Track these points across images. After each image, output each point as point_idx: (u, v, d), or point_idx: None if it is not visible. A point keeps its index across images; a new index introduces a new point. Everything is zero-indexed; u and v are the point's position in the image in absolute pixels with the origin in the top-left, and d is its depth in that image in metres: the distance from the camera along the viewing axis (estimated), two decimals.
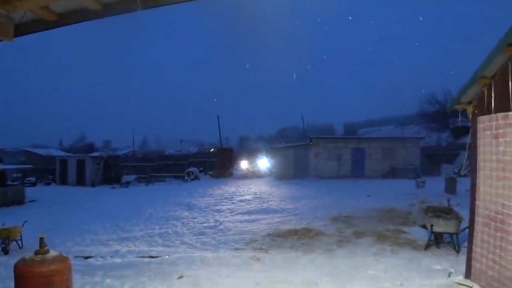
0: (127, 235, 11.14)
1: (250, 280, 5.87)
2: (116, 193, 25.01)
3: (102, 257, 8.49)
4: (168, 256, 8.08)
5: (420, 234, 8.78)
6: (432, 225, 7.62)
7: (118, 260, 8.03)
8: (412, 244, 8.20)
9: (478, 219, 5.70)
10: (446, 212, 8.49)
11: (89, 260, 8.30)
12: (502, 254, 5.03)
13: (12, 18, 3.01)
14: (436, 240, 7.98)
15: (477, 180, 5.76)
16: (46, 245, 3.03)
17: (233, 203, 16.77)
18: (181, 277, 6.21)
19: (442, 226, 7.62)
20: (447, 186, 16.20)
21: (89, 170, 31.27)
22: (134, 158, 41.23)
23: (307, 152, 28.16)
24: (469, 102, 6.15)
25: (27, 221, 10.71)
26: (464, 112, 6.49)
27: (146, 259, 7.87)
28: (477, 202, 5.76)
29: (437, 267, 6.51)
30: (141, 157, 42.85)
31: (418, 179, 19.49)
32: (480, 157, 5.67)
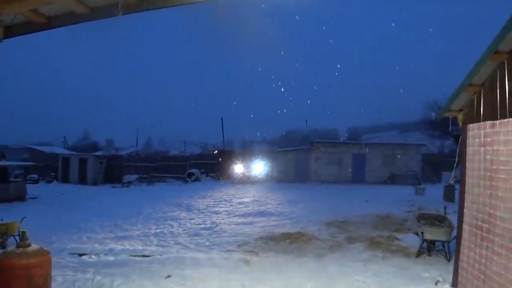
0: (123, 234, 11.22)
1: (237, 281, 5.94)
2: (116, 193, 25.15)
3: (96, 254, 8.56)
4: (160, 255, 8.15)
5: (413, 242, 8.80)
6: (422, 233, 7.65)
7: (111, 258, 8.11)
8: (404, 251, 8.22)
9: (465, 228, 5.74)
10: (439, 220, 8.51)
11: (83, 257, 8.39)
12: (488, 264, 5.06)
13: (2, 21, 3.12)
14: (428, 248, 8.01)
15: (466, 188, 5.80)
16: (27, 239, 3.12)
17: (231, 205, 16.84)
18: (169, 276, 6.29)
19: (433, 233, 7.64)
20: (446, 193, 16.18)
21: (91, 169, 31.48)
22: (137, 158, 41.38)
23: (308, 156, 28.23)
24: (460, 110, 6.20)
25: (25, 217, 10.82)
26: (455, 120, 6.54)
27: (138, 258, 7.95)
28: (465, 211, 5.80)
29: (426, 275, 6.53)
30: (144, 157, 43.01)
31: (418, 186, 19.47)
32: (469, 165, 5.72)
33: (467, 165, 5.76)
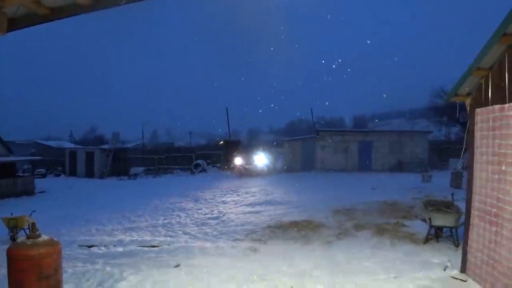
0: (131, 225, 11.31)
1: (245, 270, 5.97)
2: (124, 185, 25.33)
3: (105, 246, 8.66)
4: (168, 245, 8.22)
5: (421, 228, 8.78)
6: (430, 219, 7.63)
7: (120, 249, 8.18)
8: (411, 238, 8.20)
9: (474, 213, 5.70)
10: (446, 206, 8.47)
11: (92, 249, 8.48)
12: (496, 249, 5.04)
13: (5, 13, 3.10)
14: (436, 234, 7.99)
15: (474, 173, 5.76)
16: (37, 230, 3.15)
17: (238, 195, 16.90)
18: (178, 265, 6.34)
19: (441, 219, 7.62)
20: (453, 180, 16.10)
21: (98, 162, 31.65)
22: (143, 151, 41.56)
23: (313, 145, 28.15)
24: (468, 94, 6.11)
25: (34, 211, 10.94)
26: (463, 106, 6.46)
27: (147, 248, 8.01)
28: (473, 196, 5.77)
29: (434, 260, 6.52)
30: (150, 149, 43.17)
31: (424, 173, 19.39)
32: (477, 150, 5.66)
33: (475, 150, 5.70)
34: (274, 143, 32.12)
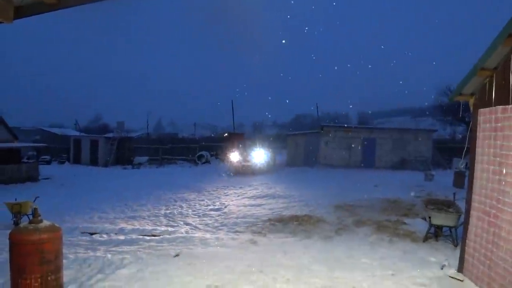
0: (134, 214, 11.41)
1: (243, 261, 6.04)
2: (127, 174, 25.50)
3: (106, 233, 8.75)
4: (169, 235, 8.30)
5: (421, 227, 8.81)
6: (430, 217, 7.65)
7: (121, 237, 8.28)
8: (411, 236, 8.23)
9: (473, 213, 5.72)
10: (447, 205, 8.48)
11: (94, 236, 8.58)
12: (494, 250, 5.06)
13: (12, 1, 3.14)
14: (436, 233, 8.01)
15: (474, 173, 5.76)
16: (40, 216, 3.22)
17: (240, 187, 17.00)
18: (177, 255, 6.43)
19: (440, 219, 7.63)
20: (456, 179, 16.07)
21: (102, 150, 31.85)
22: (148, 140, 41.76)
23: (317, 140, 28.12)
24: (472, 94, 6.10)
25: (38, 197, 11.06)
26: (467, 105, 6.44)
27: (148, 237, 8.10)
28: (473, 196, 5.78)
29: (432, 259, 6.55)
30: (154, 139, 43.37)
31: (427, 172, 19.36)
32: (479, 150, 5.66)
33: (477, 150, 5.71)
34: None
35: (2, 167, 19.88)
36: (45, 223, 3.18)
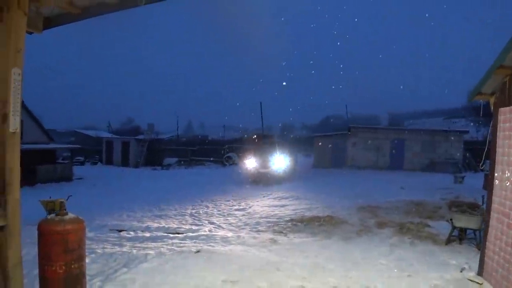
0: (160, 213, 11.78)
1: (261, 259, 6.20)
2: (157, 175, 26.18)
3: (133, 231, 9.13)
4: (192, 233, 8.57)
5: (445, 229, 8.66)
6: (451, 219, 7.56)
7: (147, 234, 8.62)
8: (433, 238, 8.14)
9: (493, 215, 5.65)
10: (472, 208, 8.33)
11: (122, 233, 8.98)
12: None
13: (41, 13, 3.45)
14: (459, 236, 7.89)
15: (495, 174, 5.68)
16: (65, 209, 3.52)
17: (266, 187, 17.20)
18: (198, 251, 6.66)
19: (463, 221, 7.52)
20: (486, 182, 15.62)
21: (133, 151, 32.79)
22: (177, 142, 42.61)
23: (345, 141, 27.95)
24: (492, 93, 6.02)
25: (71, 195, 11.61)
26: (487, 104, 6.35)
27: (172, 235, 8.39)
28: (493, 197, 5.70)
29: (453, 262, 6.47)
30: (183, 141, 44.22)
31: (457, 174, 18.91)
32: (499, 150, 5.59)
33: (497, 150, 5.64)
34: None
35: (38, 167, 20.88)
36: (70, 215, 3.47)
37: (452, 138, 25.80)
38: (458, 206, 8.52)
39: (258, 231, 8.89)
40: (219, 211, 12.07)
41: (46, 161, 22.20)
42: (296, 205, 12.65)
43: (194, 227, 9.41)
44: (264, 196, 15.00)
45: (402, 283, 5.31)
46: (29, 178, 19.43)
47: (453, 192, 14.95)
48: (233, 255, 6.44)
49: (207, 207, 12.86)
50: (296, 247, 7.21)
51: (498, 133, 5.62)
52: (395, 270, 5.86)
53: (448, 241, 7.76)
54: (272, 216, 10.86)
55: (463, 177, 18.31)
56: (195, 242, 7.54)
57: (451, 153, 25.16)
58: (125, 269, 5.57)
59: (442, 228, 8.93)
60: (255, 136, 38.47)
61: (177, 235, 8.48)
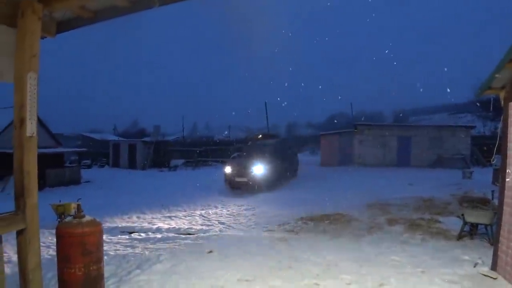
0: (170, 214, 11.84)
1: (273, 258, 6.21)
2: (164, 176, 26.26)
3: (144, 232, 9.18)
4: (203, 233, 8.60)
5: (455, 225, 8.63)
6: (463, 215, 7.52)
7: (158, 235, 8.65)
8: (444, 234, 8.11)
9: (506, 209, 5.62)
10: (483, 203, 8.28)
11: (133, 234, 9.03)
12: None
13: (54, 18, 3.48)
14: (471, 231, 7.86)
15: (506, 168, 5.65)
16: (82, 211, 3.57)
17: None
18: (210, 251, 6.69)
19: (475, 216, 7.49)
20: (495, 177, 15.53)
21: (139, 154, 32.93)
22: (183, 143, 42.72)
23: (351, 139, 27.90)
24: (502, 87, 5.99)
25: (81, 198, 11.69)
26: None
27: (183, 236, 8.43)
28: (505, 192, 5.67)
29: (466, 257, 6.43)
30: (189, 142, 44.32)
31: (465, 170, 18.81)
32: (510, 145, 5.56)
33: (508, 145, 5.61)
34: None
35: (47, 171, 21.03)
36: (87, 218, 3.51)
37: (459, 133, 25.66)
38: (468, 201, 8.48)
39: (269, 230, 8.90)
40: (228, 211, 12.16)
41: (54, 165, 22.36)
42: (306, 204, 12.56)
43: (204, 228, 9.45)
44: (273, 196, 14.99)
45: (416, 278, 5.30)
46: (38, 182, 19.57)
47: (462, 188, 14.87)
48: (245, 254, 6.46)
49: (216, 207, 12.98)
50: (308, 246, 7.22)
51: (509, 128, 5.59)
52: (408, 266, 5.84)
53: (460, 237, 7.72)
54: (281, 215, 10.86)
55: (471, 173, 18.21)
56: (207, 242, 7.57)
57: (458, 149, 25.01)
58: (138, 271, 5.60)
59: (452, 223, 8.89)
60: (260, 135, 38.59)
61: (188, 235, 8.52)
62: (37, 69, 3.06)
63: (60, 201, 10.97)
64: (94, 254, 3.40)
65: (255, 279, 5.09)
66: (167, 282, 5.03)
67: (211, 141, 44.17)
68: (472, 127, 27.75)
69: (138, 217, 11.57)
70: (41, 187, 19.55)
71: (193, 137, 56.89)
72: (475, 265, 5.98)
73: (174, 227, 9.60)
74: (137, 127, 70.17)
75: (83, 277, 3.31)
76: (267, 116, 40.92)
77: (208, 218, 10.86)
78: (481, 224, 7.57)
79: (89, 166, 33.08)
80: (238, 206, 12.94)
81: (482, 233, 7.73)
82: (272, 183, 16.88)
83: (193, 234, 8.64)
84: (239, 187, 16.96)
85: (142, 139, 36.68)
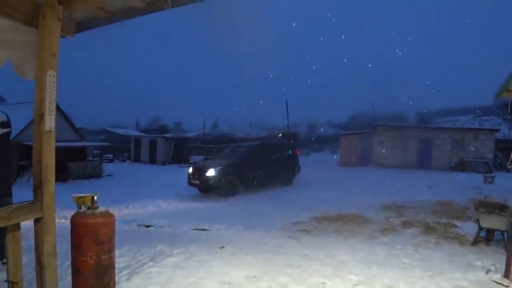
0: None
1: (284, 256, 6.29)
2: (183, 172, 26.58)
3: (161, 226, 9.41)
4: (218, 230, 8.76)
5: (472, 230, 8.48)
6: (478, 220, 7.42)
7: (174, 230, 8.87)
8: (459, 239, 8.02)
9: None
10: (500, 208, 8.14)
11: (149, 228, 9.28)
12: None
13: (74, 18, 3.65)
14: (487, 237, 7.74)
15: None
16: (96, 203, 3.75)
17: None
18: (222, 247, 6.83)
19: (490, 222, 7.37)
20: None
21: (160, 149, 33.46)
22: (203, 140, 43.16)
23: (371, 139, 27.65)
24: None
25: (101, 192, 12.05)
26: None
27: (198, 231, 8.61)
28: None
29: (478, 263, 6.36)
30: (210, 139, 44.74)
31: (487, 174, 18.40)
32: None
33: None
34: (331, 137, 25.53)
35: (70, 164, 21.66)
36: (101, 209, 3.69)
37: (483, 136, 25.07)
38: (486, 206, 8.34)
39: (282, 229, 8.95)
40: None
41: (77, 159, 22.99)
42: (321, 203, 12.56)
43: (219, 225, 9.53)
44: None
45: (425, 282, 5.28)
46: (61, 175, 20.22)
47: (482, 192, 14.59)
48: (256, 252, 6.55)
49: (232, 205, 13.07)
50: (319, 245, 7.26)
51: None
52: (419, 270, 5.82)
53: (475, 242, 7.62)
54: (296, 215, 10.90)
55: (493, 177, 17.79)
56: (221, 238, 7.70)
57: (481, 152, 24.45)
58: (151, 263, 5.77)
59: (469, 229, 8.76)
60: (280, 134, 38.68)
61: (202, 231, 8.69)
62: (56, 67, 3.23)
63: (81, 193, 11.34)
64: (106, 244, 3.57)
65: (263, 276, 5.18)
66: (176, 274, 5.18)
67: (231, 138, 44.46)
68: (497, 130, 27.04)
69: (155, 212, 11.85)
70: (64, 179, 20.26)
71: (214, 134, 57.33)
72: (488, 271, 5.90)
73: (190, 222, 9.78)
74: (159, 123, 71.15)
75: (94, 266, 3.48)
76: (287, 115, 41.03)
77: (225, 215, 10.98)
78: (496, 230, 7.46)
79: (111, 160, 33.81)
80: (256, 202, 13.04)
81: (499, 239, 7.61)
82: (231, 190, 14.99)
83: (207, 230, 8.80)
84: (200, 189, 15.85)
85: (163, 135, 37.24)
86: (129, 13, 3.80)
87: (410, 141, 26.29)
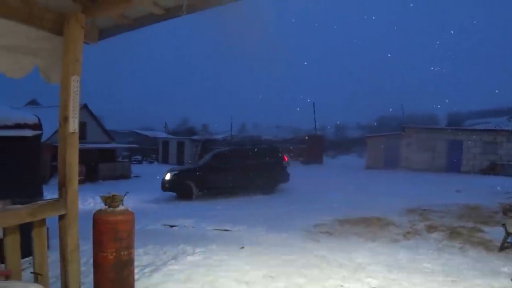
0: (210, 212, 12.24)
1: (303, 257, 6.31)
2: None
3: (184, 227, 9.61)
4: (239, 231, 8.87)
5: (500, 235, 8.20)
6: (504, 224, 7.22)
7: (196, 230, 9.05)
8: (486, 244, 7.79)
9: None
10: None
11: (173, 228, 9.50)
12: None
13: (96, 25, 3.84)
14: None
15: None
16: (117, 201, 3.93)
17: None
18: (242, 247, 6.95)
19: None
20: None
21: (188, 151, 34.02)
22: (230, 142, 43.57)
23: (398, 142, 27.19)
24: None
25: (128, 192, 12.38)
26: None
27: (219, 232, 8.75)
28: None
29: (504, 269, 6.16)
30: (237, 141, 45.11)
31: None
32: None
33: None
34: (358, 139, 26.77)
35: (100, 165, 22.37)
36: (121, 207, 3.88)
37: None
38: None
39: (304, 230, 8.98)
40: (270, 210, 12.30)
41: (107, 160, 23.72)
42: (344, 206, 12.48)
43: (241, 227, 9.62)
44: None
45: (446, 287, 5.20)
46: (91, 175, 20.93)
47: None
48: (276, 253, 6.61)
49: (251, 208, 13.15)
50: (340, 247, 7.26)
51: None
52: (440, 275, 5.71)
53: (502, 248, 7.39)
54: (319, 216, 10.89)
55: None
56: (242, 239, 7.81)
57: None
58: (173, 261, 5.95)
59: (497, 234, 8.48)
60: (307, 136, 38.64)
61: (225, 231, 8.83)
62: (79, 72, 3.41)
63: (109, 193, 11.72)
64: (125, 240, 3.74)
65: (280, 276, 5.23)
66: (196, 272, 5.31)
67: (258, 141, 44.71)
68: None
69: (179, 212, 12.10)
70: (94, 179, 20.95)
71: (241, 137, 57.73)
72: None
73: (212, 223, 9.94)
74: (187, 125, 72.26)
75: (114, 261, 3.66)
76: (314, 117, 40.94)
77: (247, 218, 11.05)
78: None
79: (139, 162, 34.64)
80: (278, 206, 13.10)
81: None
82: (188, 194, 15.53)
83: (229, 231, 8.94)
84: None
85: (191, 137, 37.82)
86: (149, 19, 3.95)
87: (439, 143, 25.65)
